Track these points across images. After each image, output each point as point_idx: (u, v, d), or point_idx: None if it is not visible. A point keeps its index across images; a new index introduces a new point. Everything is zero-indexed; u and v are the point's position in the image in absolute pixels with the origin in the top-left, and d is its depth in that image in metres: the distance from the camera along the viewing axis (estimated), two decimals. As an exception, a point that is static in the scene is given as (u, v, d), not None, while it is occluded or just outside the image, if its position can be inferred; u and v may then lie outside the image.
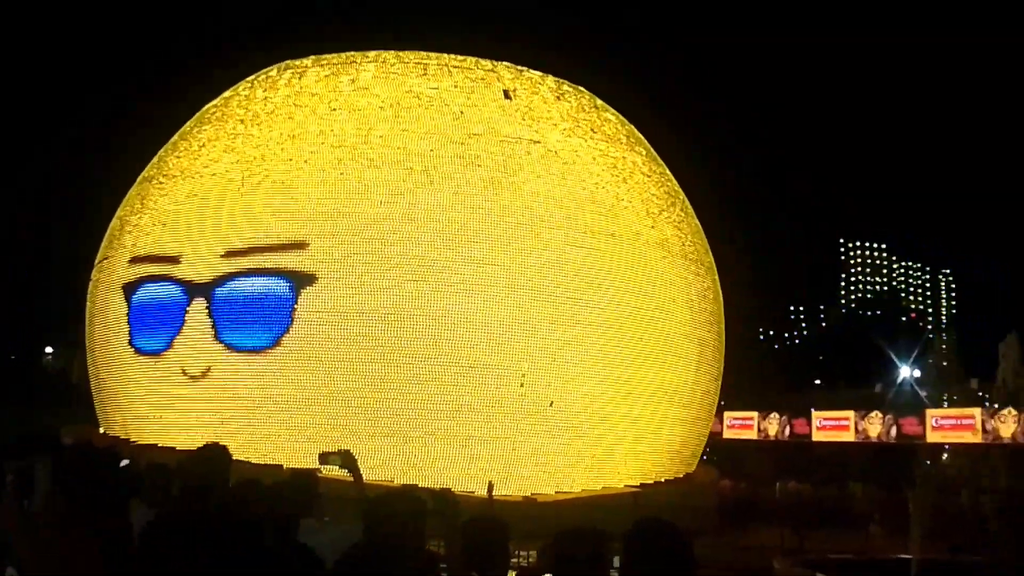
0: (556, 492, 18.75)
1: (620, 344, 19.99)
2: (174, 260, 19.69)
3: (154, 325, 19.81)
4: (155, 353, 19.73)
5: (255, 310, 18.73)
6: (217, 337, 18.89)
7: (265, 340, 18.56)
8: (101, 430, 21.42)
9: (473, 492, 17.19)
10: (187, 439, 17.74)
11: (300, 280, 18.57)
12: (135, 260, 20.60)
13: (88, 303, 22.51)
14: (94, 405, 22.21)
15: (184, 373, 19.15)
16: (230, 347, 18.81)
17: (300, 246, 18.74)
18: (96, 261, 22.64)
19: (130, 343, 20.36)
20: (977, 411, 27.78)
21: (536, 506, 17.78)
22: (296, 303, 18.51)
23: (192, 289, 19.26)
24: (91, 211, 26.46)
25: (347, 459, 5.41)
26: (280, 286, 18.63)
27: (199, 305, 19.09)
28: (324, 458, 5.40)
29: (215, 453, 4.87)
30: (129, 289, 20.59)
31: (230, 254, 19.02)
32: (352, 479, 5.36)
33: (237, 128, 21.26)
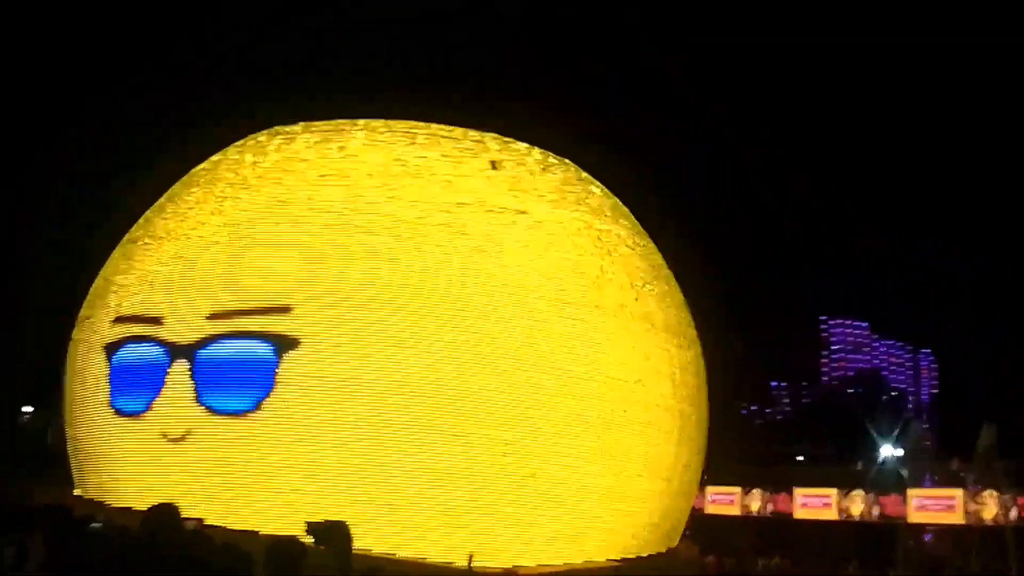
0: (538, 565, 18.50)
1: (602, 416, 19.93)
2: (157, 321, 19.60)
3: (135, 386, 19.57)
4: (135, 415, 19.50)
5: (237, 373, 18.60)
6: (198, 400, 18.71)
7: (247, 403, 18.40)
8: (76, 491, 21.07)
9: (453, 563, 16.98)
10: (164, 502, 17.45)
11: (283, 344, 18.49)
12: (119, 320, 20.51)
13: (67, 362, 22.31)
14: (70, 466, 21.88)
15: (164, 436, 18.93)
16: (211, 410, 18.62)
17: (284, 310, 18.69)
18: (78, 320, 22.52)
19: (110, 404, 20.12)
20: (959, 492, 27.72)
21: (516, 579, 17.52)
22: (279, 367, 18.42)
23: (175, 350, 19.16)
24: (73, 270, 26.39)
25: (337, 532, 5.30)
26: (263, 349, 18.55)
27: (181, 367, 18.94)
28: (311, 528, 5.28)
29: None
30: (111, 349, 20.45)
31: (214, 316, 18.97)
32: (336, 554, 5.26)
33: (226, 191, 21.38)
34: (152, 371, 19.33)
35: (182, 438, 18.74)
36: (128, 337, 20.14)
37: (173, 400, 18.97)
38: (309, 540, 5.23)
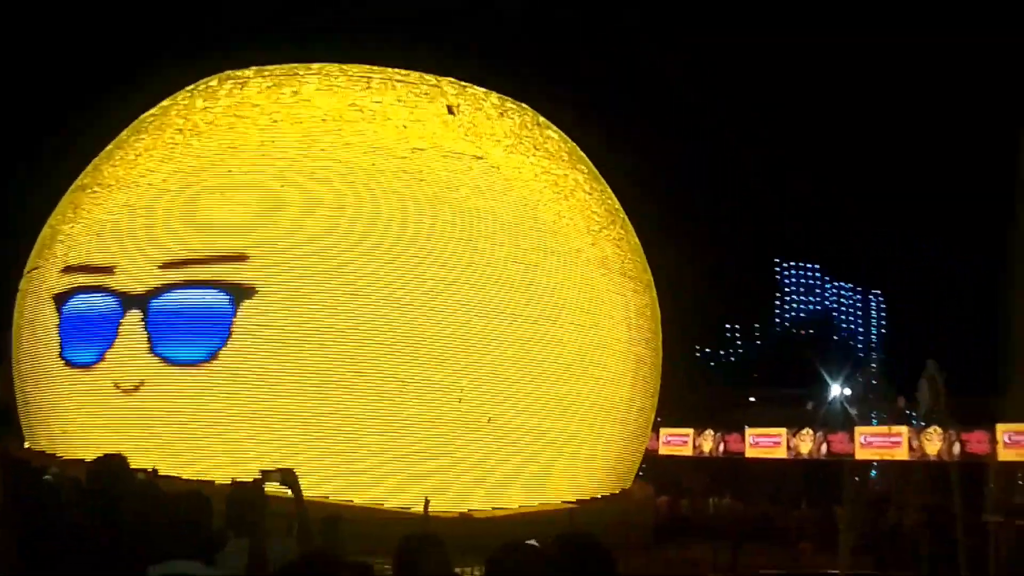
0: (493, 508, 18.76)
1: (558, 360, 20.14)
2: (108, 271, 19.30)
3: (86, 337, 19.33)
4: (87, 366, 19.28)
5: (192, 323, 18.43)
6: (152, 350, 18.53)
7: (202, 354, 18.26)
8: (26, 444, 20.86)
9: (409, 508, 17.16)
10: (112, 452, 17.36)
11: (239, 293, 18.33)
12: (67, 270, 20.14)
13: (15, 314, 21.93)
14: (19, 419, 21.61)
15: (116, 387, 18.75)
16: (165, 360, 18.47)
17: (239, 258, 18.50)
18: (25, 271, 22.08)
19: (60, 355, 19.86)
20: (904, 429, 28.40)
21: (472, 522, 17.76)
22: (235, 316, 18.27)
23: (127, 300, 18.90)
24: (20, 220, 25.80)
25: (288, 477, 5.41)
26: (219, 299, 18.37)
27: (134, 317, 18.72)
28: (265, 476, 5.36)
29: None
30: (60, 300, 20.10)
31: (167, 265, 18.71)
32: (292, 497, 5.36)
33: (176, 138, 20.97)
34: (104, 321, 19.09)
35: (135, 389, 18.59)
36: (78, 287, 19.82)
37: (126, 351, 18.77)
38: (271, 484, 5.28)
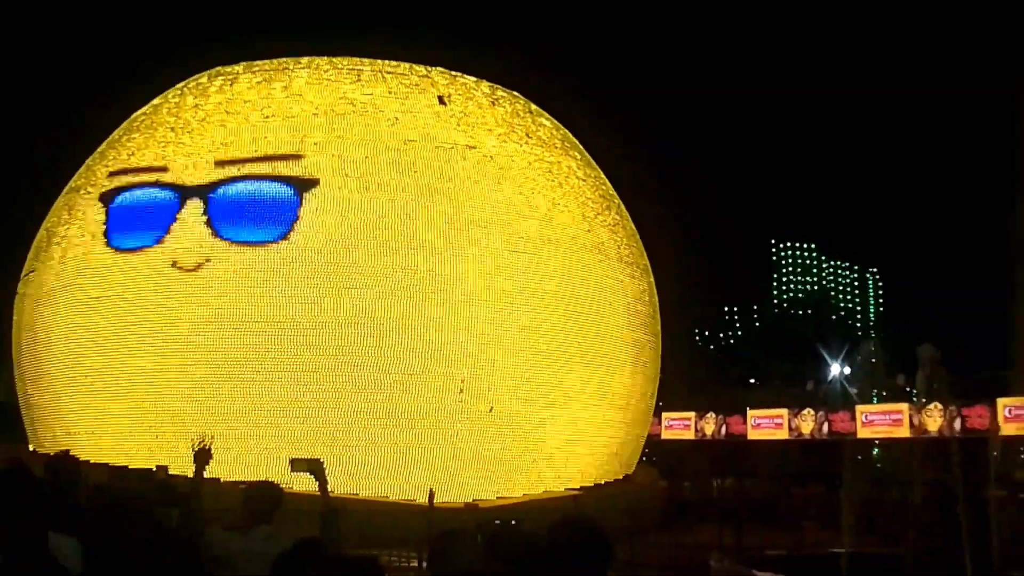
0: (497, 497, 18.79)
1: (558, 348, 20.15)
2: (162, 169, 19.88)
3: (141, 224, 19.40)
4: (139, 248, 19.20)
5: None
6: (216, 234, 18.86)
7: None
8: (31, 447, 20.88)
9: (414, 500, 17.18)
10: (120, 455, 17.39)
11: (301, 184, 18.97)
12: (116, 173, 20.61)
13: (15, 317, 21.90)
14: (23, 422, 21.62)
15: (175, 265, 18.77)
16: (231, 241, 18.70)
17: (296, 157, 19.25)
18: (22, 275, 22.05)
19: (107, 243, 19.77)
20: (905, 406, 28.44)
21: (477, 512, 17.78)
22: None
23: (185, 191, 19.33)
24: (15, 224, 25.76)
25: (315, 467, 5.53)
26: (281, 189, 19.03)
27: (194, 205, 19.10)
28: (293, 464, 5.53)
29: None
30: (108, 197, 20.26)
31: (222, 163, 19.54)
32: (318, 488, 5.48)
33: (168, 136, 20.92)
34: (160, 209, 19.26)
35: (197, 268, 18.64)
36: (129, 184, 20.09)
37: (186, 234, 18.91)
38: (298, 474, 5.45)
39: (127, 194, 20.00)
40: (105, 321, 19.12)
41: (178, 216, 18.96)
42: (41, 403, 20.60)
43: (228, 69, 22.53)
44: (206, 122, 20.84)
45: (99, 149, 22.76)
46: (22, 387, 21.46)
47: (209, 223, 18.79)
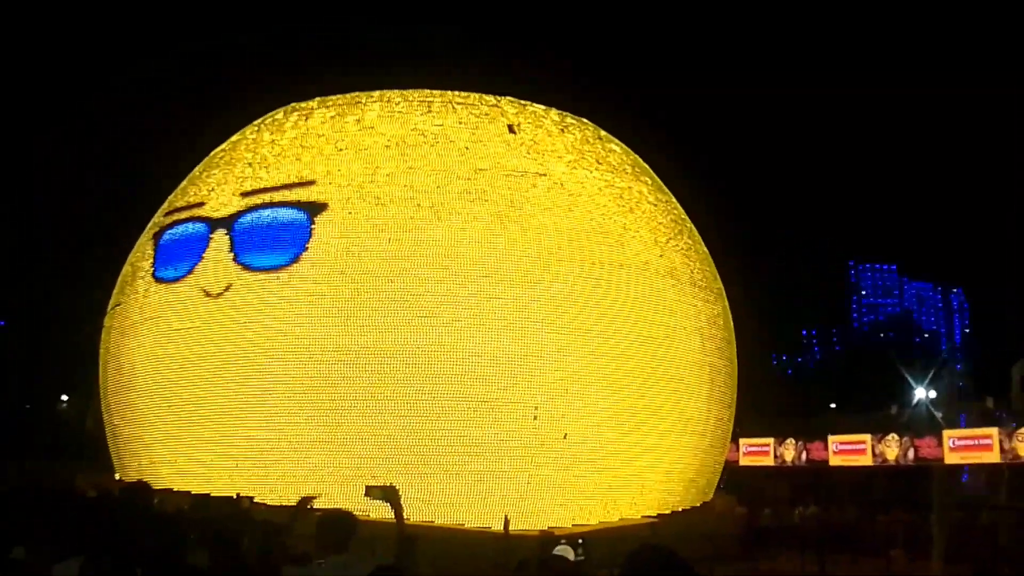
0: (573, 525, 18.63)
1: (632, 374, 19.97)
2: (199, 204, 21.63)
3: (179, 256, 21.01)
4: (177, 279, 20.50)
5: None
6: (236, 260, 19.92)
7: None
8: (117, 476, 21.45)
9: (489, 527, 17.15)
10: (203, 482, 17.78)
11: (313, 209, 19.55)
12: (168, 213, 22.65)
13: (101, 349, 22.63)
14: (110, 452, 22.25)
15: (205, 292, 19.80)
16: (247, 267, 19.65)
17: (309, 183, 19.98)
18: (109, 308, 22.79)
19: (153, 276, 21.30)
20: (994, 431, 27.52)
21: (553, 540, 17.65)
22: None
23: (214, 223, 20.83)
24: (103, 258, 26.71)
25: (390, 494, 5.52)
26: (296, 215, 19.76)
27: (220, 235, 20.40)
28: (368, 491, 5.56)
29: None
30: (158, 236, 22.18)
31: (246, 194, 20.79)
32: (394, 515, 5.47)
33: (245, 171, 21.48)
34: (195, 242, 20.76)
35: (221, 294, 19.53)
36: (174, 221, 21.98)
37: (213, 262, 20.07)
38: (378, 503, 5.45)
39: (171, 231, 21.93)
40: (189, 352, 19.65)
41: (208, 246, 20.38)
42: (126, 433, 21.18)
43: (302, 105, 23.07)
44: (282, 157, 21.33)
45: (180, 185, 23.50)
46: (108, 417, 22.11)
47: (231, 247, 20.04)
